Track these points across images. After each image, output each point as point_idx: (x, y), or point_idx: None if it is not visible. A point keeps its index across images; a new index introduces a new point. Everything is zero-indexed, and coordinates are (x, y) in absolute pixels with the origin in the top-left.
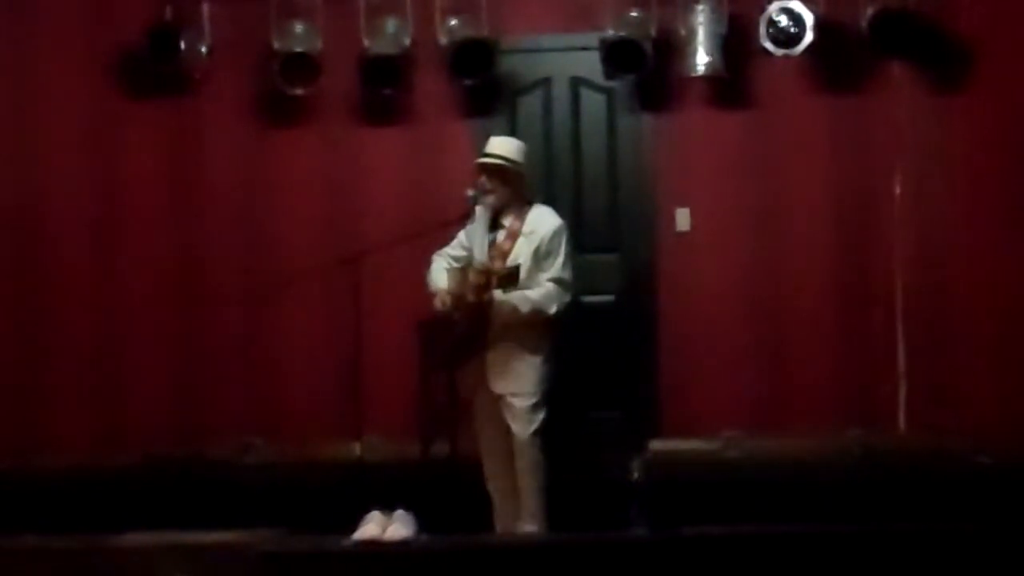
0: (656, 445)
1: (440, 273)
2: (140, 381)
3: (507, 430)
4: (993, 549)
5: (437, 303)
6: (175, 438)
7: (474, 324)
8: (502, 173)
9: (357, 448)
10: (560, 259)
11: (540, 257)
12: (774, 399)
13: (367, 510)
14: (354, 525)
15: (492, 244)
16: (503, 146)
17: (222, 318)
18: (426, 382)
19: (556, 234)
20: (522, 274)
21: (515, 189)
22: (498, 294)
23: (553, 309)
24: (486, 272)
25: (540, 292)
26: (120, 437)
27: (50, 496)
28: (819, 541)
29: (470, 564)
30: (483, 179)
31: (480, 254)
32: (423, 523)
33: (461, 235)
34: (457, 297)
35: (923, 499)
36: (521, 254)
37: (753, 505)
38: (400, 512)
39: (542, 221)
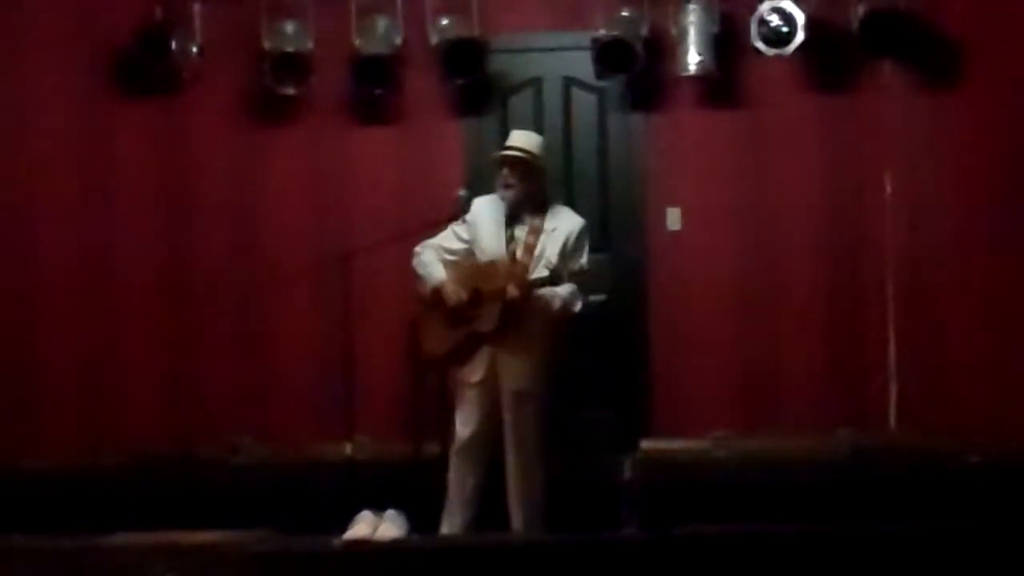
0: (647, 444)
1: (437, 265)
2: (130, 380)
3: (498, 429)
4: (983, 548)
5: (451, 297)
6: (165, 437)
7: (502, 319)
8: (524, 167)
9: (348, 448)
10: (584, 258)
11: (566, 255)
12: (765, 398)
13: (358, 510)
14: (345, 525)
15: (511, 239)
16: (526, 140)
17: (212, 317)
18: (417, 382)
19: (582, 233)
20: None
21: (536, 185)
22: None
23: (577, 307)
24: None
25: (568, 290)
26: (109, 436)
27: (39, 496)
28: (809, 541)
29: (461, 564)
30: (505, 172)
31: (496, 249)
32: (414, 523)
33: (456, 228)
34: (475, 291)
35: (913, 498)
36: (547, 250)
37: (744, 504)
38: (391, 512)
39: (566, 219)
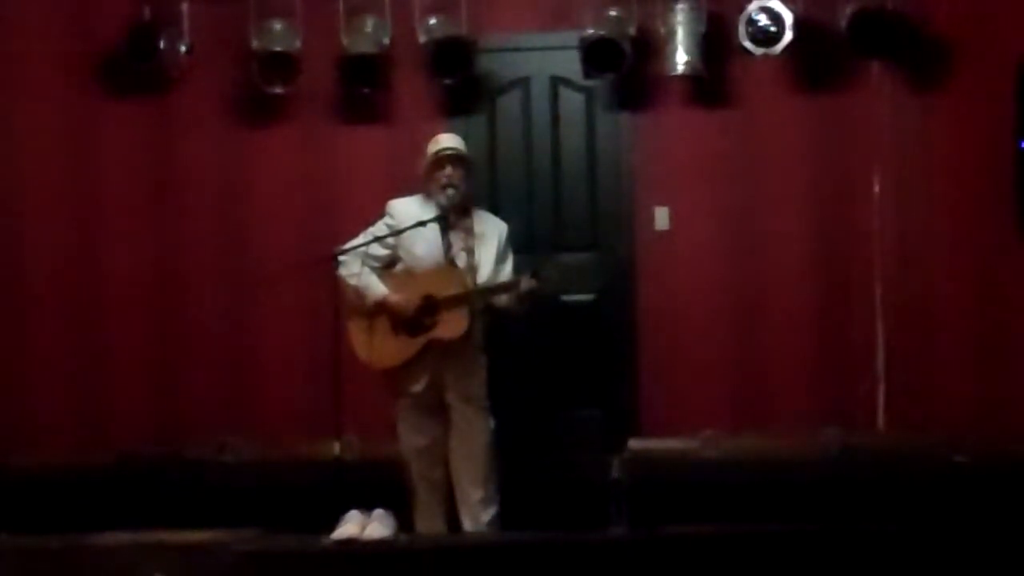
0: (635, 444)
1: (373, 277)
2: (118, 380)
3: (447, 430)
4: (971, 548)
5: (406, 308)
6: (153, 437)
7: (471, 323)
8: (465, 167)
9: (336, 447)
10: (511, 261)
11: (498, 259)
12: (753, 398)
13: (346, 509)
14: (333, 524)
15: (449, 245)
16: (456, 140)
17: (200, 317)
18: None
19: (508, 236)
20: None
21: (470, 186)
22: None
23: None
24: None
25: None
26: (98, 436)
27: (27, 495)
28: (798, 540)
29: (449, 564)
30: (449, 171)
31: (434, 254)
32: (402, 522)
33: (378, 234)
34: (426, 297)
35: (901, 498)
36: (483, 255)
37: (732, 504)
38: (379, 511)
39: (491, 223)
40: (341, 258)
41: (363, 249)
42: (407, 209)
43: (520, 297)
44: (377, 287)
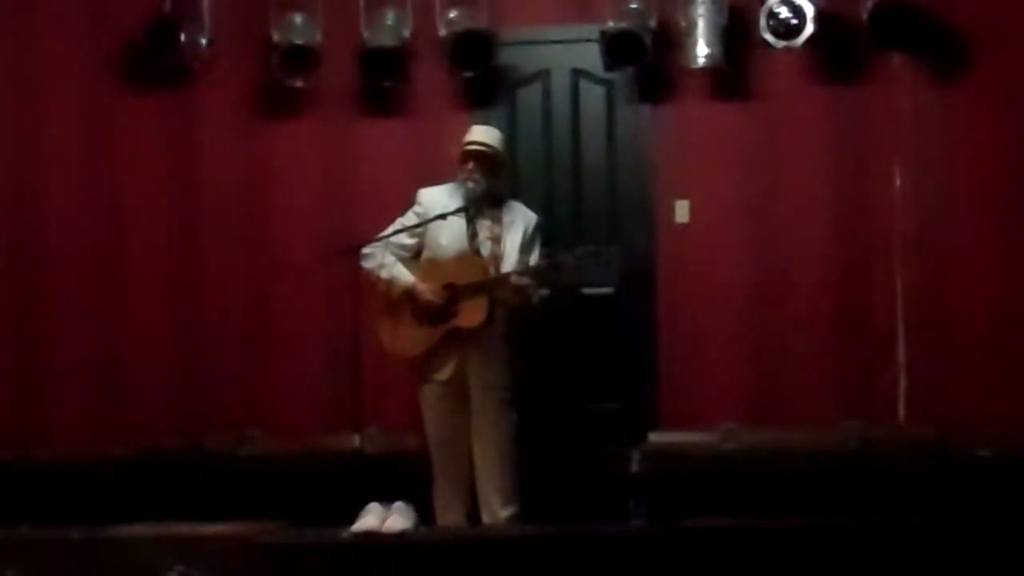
0: (655, 437)
1: (399, 266)
2: (138, 372)
3: (469, 419)
4: (991, 542)
5: (433, 297)
6: (173, 429)
7: (489, 312)
8: (489, 162)
9: (356, 440)
10: (538, 252)
11: (523, 249)
12: (773, 391)
13: (366, 502)
14: (353, 517)
15: (474, 235)
16: (488, 135)
17: (221, 309)
18: None
19: (537, 227)
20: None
21: (497, 179)
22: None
23: (536, 299)
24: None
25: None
26: (118, 428)
27: (48, 487)
28: (817, 534)
29: (468, 556)
30: (471, 166)
31: (458, 243)
32: (422, 515)
33: (407, 224)
34: (449, 286)
35: (922, 492)
36: (508, 244)
37: (752, 497)
38: (399, 504)
39: (522, 213)
40: (365, 251)
41: (390, 241)
42: (436, 197)
43: (533, 273)
44: (405, 275)
